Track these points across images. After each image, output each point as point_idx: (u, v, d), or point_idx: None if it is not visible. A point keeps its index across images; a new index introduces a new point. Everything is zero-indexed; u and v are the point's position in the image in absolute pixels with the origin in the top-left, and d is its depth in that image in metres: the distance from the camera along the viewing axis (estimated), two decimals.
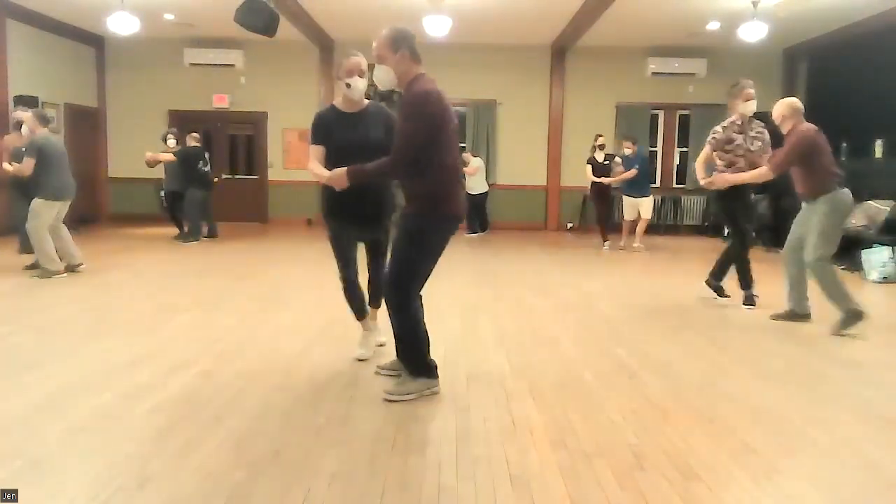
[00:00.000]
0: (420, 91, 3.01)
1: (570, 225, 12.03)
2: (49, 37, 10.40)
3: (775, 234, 9.26)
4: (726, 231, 9.25)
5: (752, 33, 8.85)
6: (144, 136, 11.79)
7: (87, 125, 11.51)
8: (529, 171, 11.92)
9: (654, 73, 11.59)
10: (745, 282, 5.40)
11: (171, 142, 9.35)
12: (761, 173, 4.85)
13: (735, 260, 5.43)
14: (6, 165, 6.53)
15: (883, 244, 7.09)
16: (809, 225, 4.68)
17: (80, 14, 10.02)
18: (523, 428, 2.83)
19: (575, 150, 11.63)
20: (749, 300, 5.34)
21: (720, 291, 5.59)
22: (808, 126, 4.69)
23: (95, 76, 11.77)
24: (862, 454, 2.64)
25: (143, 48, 11.56)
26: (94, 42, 11.54)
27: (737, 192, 5.19)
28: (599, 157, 9.37)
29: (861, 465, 2.54)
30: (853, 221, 8.06)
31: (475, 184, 10.47)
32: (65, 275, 6.29)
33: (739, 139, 5.22)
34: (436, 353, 3.88)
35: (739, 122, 5.25)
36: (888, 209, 7.69)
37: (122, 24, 8.72)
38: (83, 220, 10.65)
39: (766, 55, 11.29)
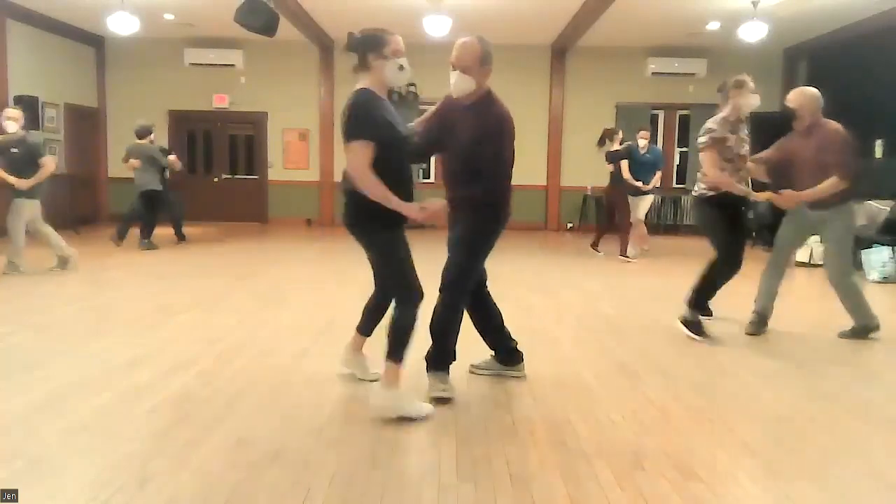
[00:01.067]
0: (501, 114, 3.17)
1: (569, 225, 12.04)
2: (49, 37, 10.40)
3: (775, 235, 9.26)
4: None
5: (752, 33, 8.86)
6: None
7: (87, 125, 11.51)
8: (529, 171, 11.89)
9: (654, 73, 11.60)
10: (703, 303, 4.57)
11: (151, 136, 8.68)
12: (834, 184, 4.11)
13: (711, 278, 4.43)
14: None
15: (883, 244, 7.09)
16: (811, 235, 4.36)
17: (80, 14, 10.02)
18: (523, 428, 2.83)
19: (575, 150, 11.64)
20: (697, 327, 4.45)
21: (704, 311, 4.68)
22: (835, 122, 4.27)
23: (95, 76, 11.77)
24: (862, 454, 2.64)
25: (143, 48, 11.56)
26: (94, 42, 11.54)
27: (740, 203, 4.41)
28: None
29: (861, 466, 2.54)
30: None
31: None
32: (22, 268, 6.32)
33: (732, 139, 4.28)
34: None
35: (732, 120, 4.32)
36: (888, 209, 7.69)
37: (122, 24, 8.73)
38: (83, 220, 10.66)
39: (766, 55, 11.28)
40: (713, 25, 9.95)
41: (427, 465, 2.47)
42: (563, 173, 11.92)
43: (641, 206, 8.50)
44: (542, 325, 4.78)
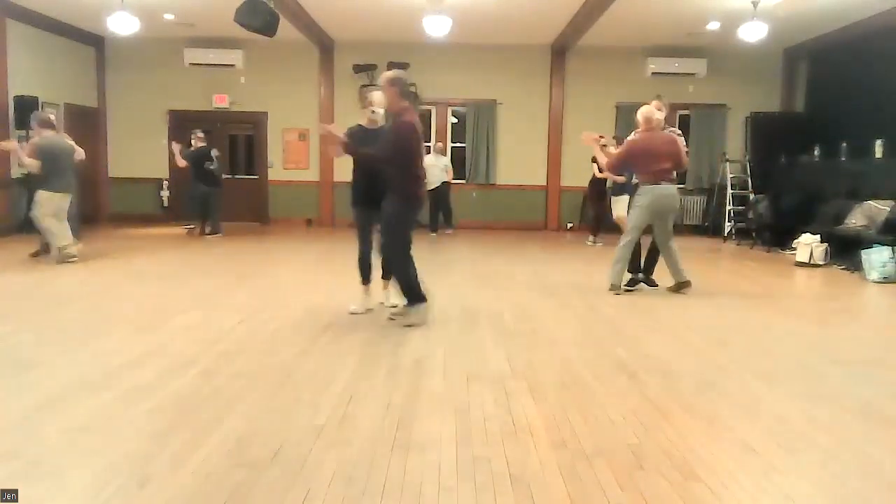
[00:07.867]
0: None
1: (570, 225, 12.03)
2: (49, 37, 10.39)
3: (775, 234, 9.30)
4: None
5: (752, 33, 8.85)
6: (144, 137, 11.82)
7: (87, 125, 11.48)
8: (529, 171, 11.91)
9: (654, 73, 11.59)
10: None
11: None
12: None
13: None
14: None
15: (883, 244, 7.08)
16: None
17: (80, 14, 10.01)
18: (523, 428, 2.83)
19: (575, 150, 11.63)
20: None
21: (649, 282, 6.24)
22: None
23: (95, 76, 11.76)
24: (862, 454, 2.64)
25: (143, 48, 11.55)
26: (94, 42, 11.54)
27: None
28: None
29: (861, 465, 2.55)
30: (853, 221, 8.08)
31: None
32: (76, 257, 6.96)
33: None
34: (435, 353, 3.90)
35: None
36: (888, 209, 7.68)
37: (122, 24, 8.73)
38: (83, 219, 10.64)
39: (766, 55, 11.28)
40: (713, 25, 9.94)
41: (427, 465, 2.47)
42: (563, 173, 11.91)
43: (622, 204, 8.59)
44: (542, 325, 4.78)
